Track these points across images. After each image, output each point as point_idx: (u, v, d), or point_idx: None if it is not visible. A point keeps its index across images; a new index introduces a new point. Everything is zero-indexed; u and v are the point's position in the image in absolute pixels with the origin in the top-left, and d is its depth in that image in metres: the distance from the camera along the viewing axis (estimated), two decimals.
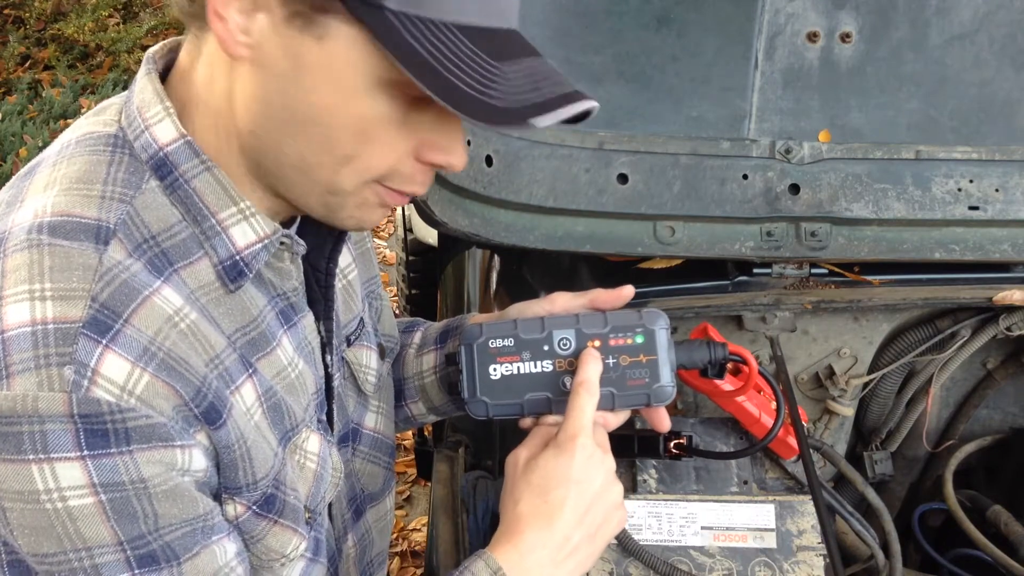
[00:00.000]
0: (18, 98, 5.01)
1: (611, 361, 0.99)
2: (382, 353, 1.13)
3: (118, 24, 5.93)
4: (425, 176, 0.84)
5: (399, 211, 3.18)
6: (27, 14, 5.87)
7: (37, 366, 0.70)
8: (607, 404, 1.00)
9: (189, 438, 0.77)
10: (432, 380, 1.20)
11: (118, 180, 0.80)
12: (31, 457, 0.71)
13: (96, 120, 0.85)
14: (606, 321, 1.01)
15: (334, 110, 0.77)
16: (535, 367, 0.99)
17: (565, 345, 1.00)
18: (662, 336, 1.00)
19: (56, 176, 0.80)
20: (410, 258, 3.17)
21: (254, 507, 0.86)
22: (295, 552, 0.91)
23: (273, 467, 0.86)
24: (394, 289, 4.20)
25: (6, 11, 5.94)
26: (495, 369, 0.99)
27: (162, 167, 0.81)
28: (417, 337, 1.25)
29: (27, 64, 5.61)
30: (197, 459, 0.78)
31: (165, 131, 0.81)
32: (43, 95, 5.08)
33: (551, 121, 0.75)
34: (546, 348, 0.99)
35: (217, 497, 0.84)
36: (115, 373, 0.72)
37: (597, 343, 0.99)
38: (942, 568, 1.58)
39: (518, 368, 0.99)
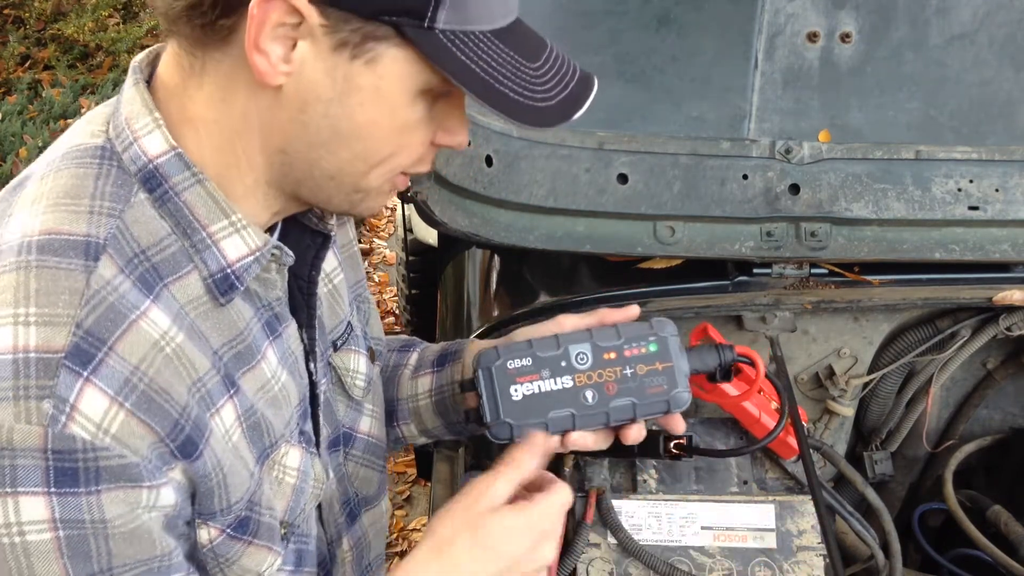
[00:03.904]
0: (18, 98, 5.00)
1: (629, 371, 0.99)
2: (372, 357, 1.12)
3: (118, 24, 5.92)
4: (432, 155, 0.90)
5: (399, 211, 3.18)
6: (27, 14, 5.86)
7: (16, 397, 0.70)
8: (628, 415, 0.99)
9: (161, 476, 0.76)
10: (427, 403, 1.19)
11: (106, 194, 0.79)
12: None
13: (84, 131, 0.84)
14: (619, 333, 1.01)
15: (379, 123, 0.81)
16: (555, 384, 0.99)
17: (582, 360, 0.99)
18: (674, 343, 1.01)
19: (44, 191, 0.79)
20: (410, 258, 3.17)
21: (228, 530, 0.85)
22: (270, 569, 0.91)
23: (248, 489, 0.86)
24: (394, 289, 4.20)
25: (6, 11, 5.93)
26: (516, 389, 0.98)
27: (151, 179, 0.80)
28: (413, 358, 1.23)
29: (27, 64, 5.60)
30: (165, 496, 0.77)
31: (155, 143, 0.81)
32: (43, 95, 5.07)
33: (583, 110, 0.82)
34: (564, 364, 0.99)
35: (189, 523, 0.83)
36: (93, 410, 0.71)
37: (613, 355, 0.99)
38: (942, 568, 1.58)
39: (539, 387, 0.98)
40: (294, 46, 0.76)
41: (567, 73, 0.84)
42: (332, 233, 0.97)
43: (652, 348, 1.00)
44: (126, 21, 6.03)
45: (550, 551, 0.94)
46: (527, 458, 0.94)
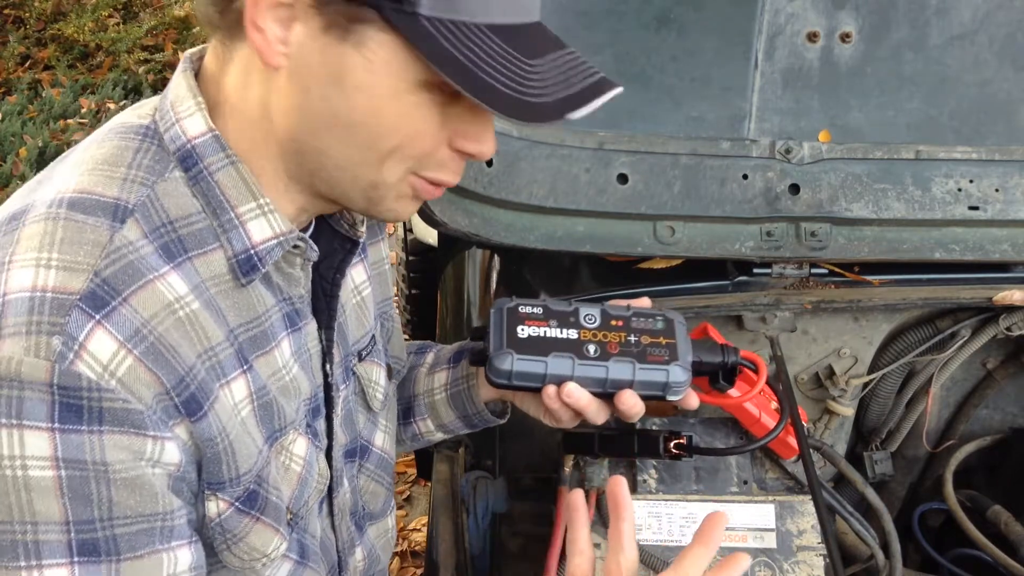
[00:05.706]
0: (18, 98, 5.00)
1: (633, 339, 1.04)
2: (389, 373, 1.14)
3: (118, 24, 5.91)
4: (456, 165, 0.87)
5: None
6: (27, 14, 5.85)
7: (28, 332, 0.71)
8: (626, 376, 1.02)
9: (166, 430, 0.77)
10: (442, 397, 1.21)
11: (143, 165, 0.82)
12: (3, 421, 0.71)
13: (133, 112, 0.88)
14: (629, 307, 1.07)
15: (377, 112, 0.79)
16: (561, 333, 1.03)
17: (591, 320, 1.04)
18: (681, 328, 1.05)
19: (85, 158, 0.83)
20: (410, 258, 3.17)
21: (236, 503, 0.85)
22: (276, 552, 0.91)
23: (256, 463, 0.86)
24: (394, 289, 4.19)
25: (6, 11, 5.92)
26: (523, 329, 1.03)
27: (188, 158, 0.83)
28: (429, 357, 1.27)
29: (27, 64, 5.60)
30: (170, 452, 0.78)
31: (195, 124, 0.84)
32: (43, 95, 5.06)
33: (584, 112, 0.79)
34: (572, 320, 1.04)
35: (198, 496, 0.83)
36: (101, 351, 0.73)
37: (620, 322, 1.04)
38: (942, 568, 1.58)
39: (544, 332, 1.03)
40: (291, 27, 0.77)
41: (577, 74, 0.82)
42: (361, 240, 0.99)
43: (659, 325, 1.05)
44: (126, 21, 6.03)
45: None
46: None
